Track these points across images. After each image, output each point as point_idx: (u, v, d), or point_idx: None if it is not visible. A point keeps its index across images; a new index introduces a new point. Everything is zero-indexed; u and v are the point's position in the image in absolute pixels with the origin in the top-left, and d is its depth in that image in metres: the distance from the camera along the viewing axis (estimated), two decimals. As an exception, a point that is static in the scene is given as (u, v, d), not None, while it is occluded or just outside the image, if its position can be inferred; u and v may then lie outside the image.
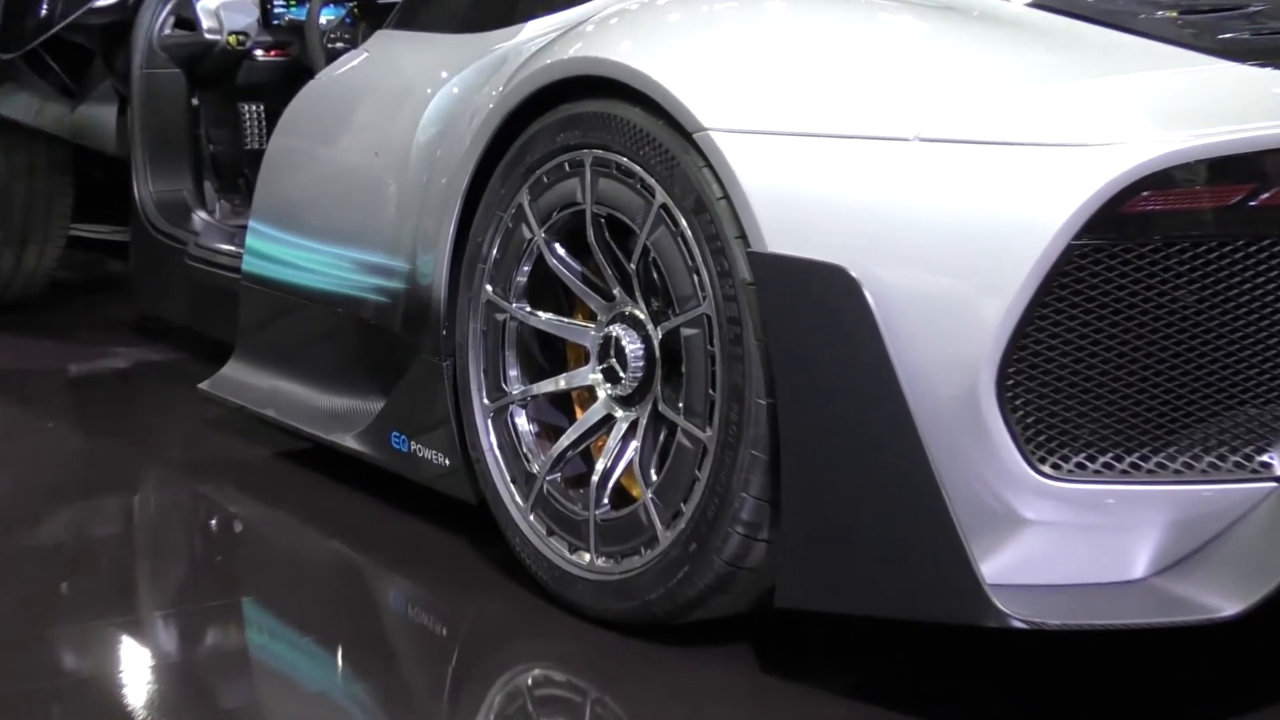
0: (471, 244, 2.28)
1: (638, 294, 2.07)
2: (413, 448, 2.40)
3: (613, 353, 2.09)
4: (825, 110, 1.85)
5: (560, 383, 2.20)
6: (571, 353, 2.27)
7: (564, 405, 2.25)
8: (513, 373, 2.23)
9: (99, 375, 3.57)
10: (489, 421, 2.25)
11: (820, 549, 1.84)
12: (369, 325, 2.54)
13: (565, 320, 2.21)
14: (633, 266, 2.05)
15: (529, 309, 2.22)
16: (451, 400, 2.31)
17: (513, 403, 2.23)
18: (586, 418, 2.16)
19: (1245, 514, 1.75)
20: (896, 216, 1.77)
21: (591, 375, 2.15)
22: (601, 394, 2.13)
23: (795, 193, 1.83)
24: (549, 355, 2.27)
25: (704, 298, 1.92)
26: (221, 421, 3.01)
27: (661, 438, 2.07)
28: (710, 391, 1.93)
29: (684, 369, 1.98)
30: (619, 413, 2.12)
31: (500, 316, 2.24)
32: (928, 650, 2.01)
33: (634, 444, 2.09)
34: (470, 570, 2.32)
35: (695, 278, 1.93)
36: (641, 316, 2.08)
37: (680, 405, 1.98)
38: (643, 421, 2.08)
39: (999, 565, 1.76)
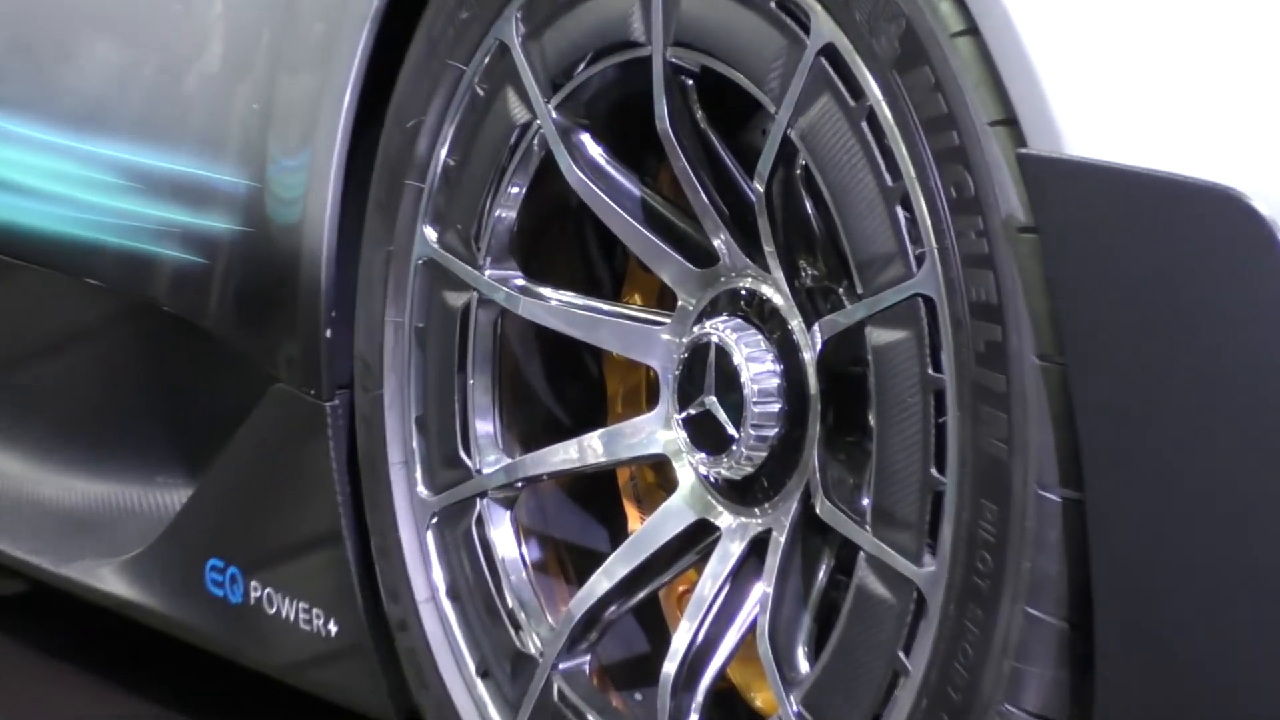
0: (391, 136, 2.34)
1: (770, 249, 2.11)
2: (253, 595, 2.46)
3: (711, 382, 2.13)
4: None
5: (591, 449, 2.24)
6: (616, 382, 2.33)
7: (599, 502, 2.31)
8: (484, 426, 2.28)
9: None
10: (429, 536, 2.30)
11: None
12: (159, 315, 2.61)
13: (605, 306, 2.27)
14: (759, 188, 2.09)
15: (522, 280, 2.27)
16: (344, 486, 2.37)
17: (485, 494, 2.28)
18: (650, 531, 2.20)
19: None
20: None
21: (664, 434, 2.19)
22: (688, 476, 2.18)
23: (1127, 32, 1.87)
24: (564, 389, 2.33)
25: (918, 259, 1.96)
26: None
27: (821, 577, 2.11)
28: (934, 472, 1.96)
29: (873, 420, 2.01)
30: (725, 519, 2.16)
31: (458, 299, 2.29)
32: None
33: (759, 590, 2.13)
34: None
35: (899, 214, 1.97)
36: (778, 300, 2.12)
37: (865, 503, 2.02)
38: (780, 539, 2.11)
39: None
